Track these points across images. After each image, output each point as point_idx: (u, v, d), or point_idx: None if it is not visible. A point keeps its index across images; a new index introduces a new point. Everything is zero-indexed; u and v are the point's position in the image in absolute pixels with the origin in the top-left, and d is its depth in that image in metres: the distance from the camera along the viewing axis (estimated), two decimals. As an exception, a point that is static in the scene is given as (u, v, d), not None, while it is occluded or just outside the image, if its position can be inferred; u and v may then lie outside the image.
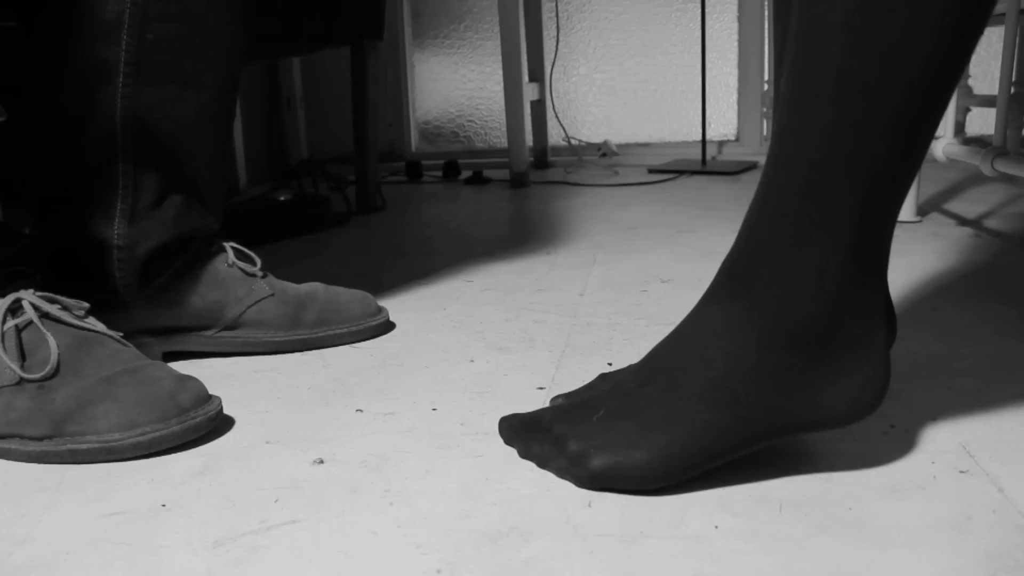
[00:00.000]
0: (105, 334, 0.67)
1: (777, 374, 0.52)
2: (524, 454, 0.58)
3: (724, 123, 2.45)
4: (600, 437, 0.54)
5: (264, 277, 0.86)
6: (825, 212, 0.50)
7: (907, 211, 1.37)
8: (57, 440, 0.60)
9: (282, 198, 1.59)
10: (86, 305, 0.69)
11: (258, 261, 0.87)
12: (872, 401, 0.53)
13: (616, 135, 2.48)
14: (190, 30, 0.78)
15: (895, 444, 0.58)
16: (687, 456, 0.52)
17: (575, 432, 0.55)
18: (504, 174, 2.17)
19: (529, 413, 0.61)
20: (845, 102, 0.48)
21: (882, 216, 0.51)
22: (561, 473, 0.55)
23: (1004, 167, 1.03)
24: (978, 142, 1.30)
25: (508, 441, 0.60)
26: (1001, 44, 1.05)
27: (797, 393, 0.52)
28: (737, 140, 2.45)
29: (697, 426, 0.52)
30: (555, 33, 2.43)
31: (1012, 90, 1.06)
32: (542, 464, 0.56)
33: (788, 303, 0.52)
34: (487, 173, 2.24)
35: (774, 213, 0.53)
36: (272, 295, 0.84)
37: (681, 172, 2.11)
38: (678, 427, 0.52)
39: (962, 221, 1.37)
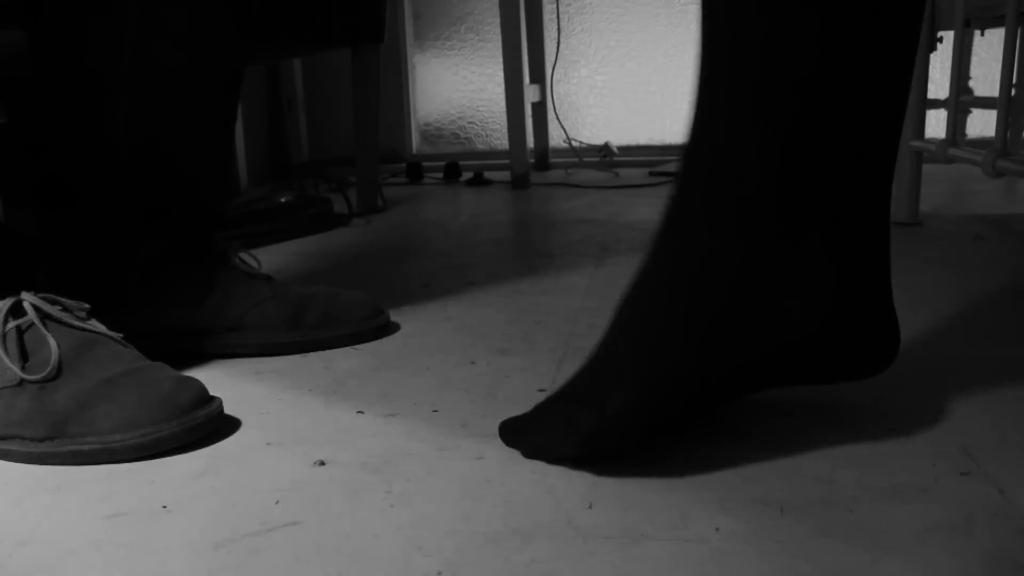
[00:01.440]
0: (106, 335, 0.67)
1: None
2: (529, 452, 0.58)
3: (725, 125, 2.45)
4: (583, 397, 0.55)
5: (265, 279, 0.86)
6: (746, 144, 0.52)
7: (906, 213, 1.37)
8: (58, 441, 0.60)
9: (283, 200, 1.59)
10: (87, 306, 0.69)
11: (259, 263, 0.87)
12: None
13: (617, 137, 2.48)
14: (191, 34, 0.78)
15: (896, 446, 0.58)
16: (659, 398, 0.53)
17: (563, 400, 0.56)
18: (505, 176, 2.17)
19: (525, 413, 0.61)
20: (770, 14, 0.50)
21: (812, 162, 0.52)
22: (564, 448, 0.55)
23: (1006, 167, 1.03)
24: (978, 145, 1.30)
25: (510, 444, 0.60)
26: (1001, 46, 1.05)
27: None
28: (738, 142, 2.45)
29: (652, 377, 0.53)
30: (556, 35, 2.43)
31: (1012, 92, 1.05)
32: (549, 456, 0.56)
33: (709, 246, 0.53)
34: (488, 175, 2.24)
35: (697, 148, 0.54)
36: (273, 297, 0.84)
37: (682, 174, 2.11)
38: (638, 379, 0.53)
39: (962, 223, 1.37)
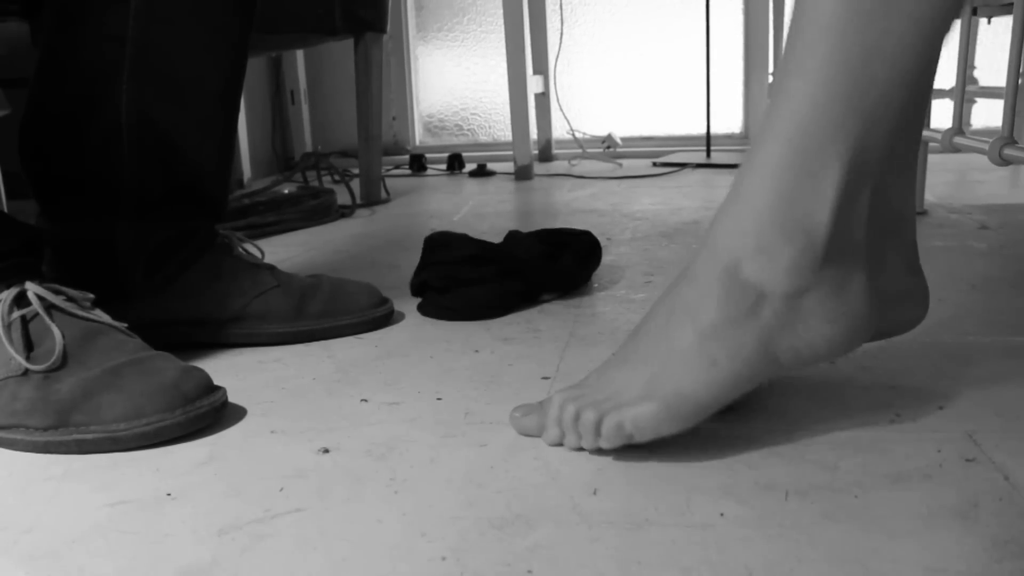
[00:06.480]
0: (111, 325, 0.67)
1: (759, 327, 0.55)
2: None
3: (729, 116, 2.45)
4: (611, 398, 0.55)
5: (269, 269, 0.86)
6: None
7: (913, 202, 1.36)
8: (62, 430, 0.60)
9: (286, 191, 1.59)
10: (92, 296, 0.69)
11: (263, 253, 0.87)
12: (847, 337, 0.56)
13: (620, 128, 2.48)
14: (194, 28, 0.78)
15: (901, 432, 0.57)
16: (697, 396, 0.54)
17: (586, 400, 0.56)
18: (508, 167, 2.17)
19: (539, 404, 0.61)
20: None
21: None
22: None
23: (1013, 155, 1.02)
24: (982, 135, 1.29)
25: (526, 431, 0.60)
26: (1007, 34, 1.05)
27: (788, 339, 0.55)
28: (742, 133, 2.44)
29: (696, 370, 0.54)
30: (559, 25, 2.42)
31: (1020, 80, 1.05)
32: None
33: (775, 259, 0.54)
34: (491, 166, 2.23)
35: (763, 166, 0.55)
36: (277, 286, 0.84)
37: (685, 165, 2.11)
38: (680, 374, 0.54)
39: (967, 212, 1.36)
